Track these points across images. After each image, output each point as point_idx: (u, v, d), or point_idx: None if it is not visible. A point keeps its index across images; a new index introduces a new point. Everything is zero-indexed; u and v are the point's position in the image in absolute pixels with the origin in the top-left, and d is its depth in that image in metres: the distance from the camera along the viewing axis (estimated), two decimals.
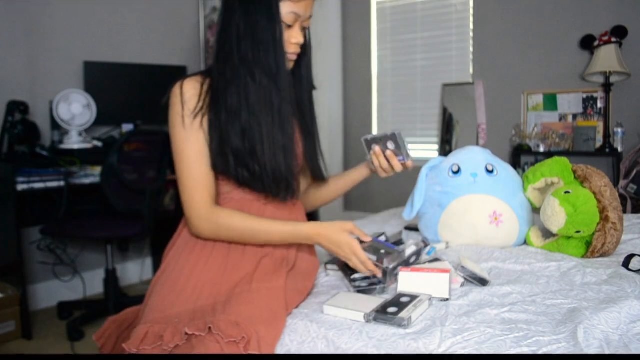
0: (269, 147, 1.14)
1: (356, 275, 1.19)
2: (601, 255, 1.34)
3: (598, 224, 1.31)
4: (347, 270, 1.23)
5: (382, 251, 1.12)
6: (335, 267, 1.30)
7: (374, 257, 1.11)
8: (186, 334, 0.94)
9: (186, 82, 1.16)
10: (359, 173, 1.43)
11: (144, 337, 0.97)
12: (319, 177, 1.39)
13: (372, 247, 1.13)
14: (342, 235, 1.11)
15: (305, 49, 1.26)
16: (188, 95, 1.14)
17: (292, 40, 1.16)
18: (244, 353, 0.91)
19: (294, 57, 1.20)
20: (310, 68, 1.30)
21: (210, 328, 0.93)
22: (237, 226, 1.13)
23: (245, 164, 1.14)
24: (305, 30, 1.21)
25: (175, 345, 0.94)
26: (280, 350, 0.99)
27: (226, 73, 1.15)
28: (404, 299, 1.05)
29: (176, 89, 1.15)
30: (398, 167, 1.30)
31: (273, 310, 1.03)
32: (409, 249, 1.24)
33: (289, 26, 1.15)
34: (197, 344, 0.91)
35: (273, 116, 1.14)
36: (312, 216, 2.62)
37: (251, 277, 1.12)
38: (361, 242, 1.14)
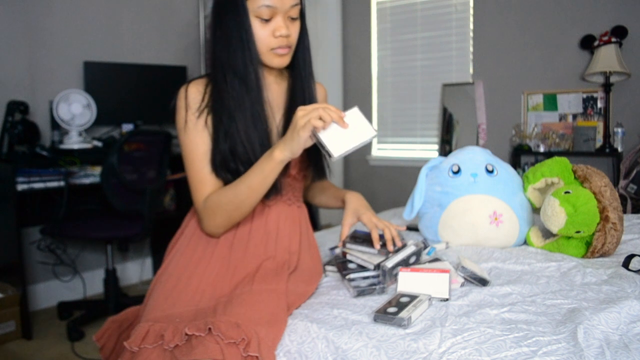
0: (248, 146, 1.14)
1: (354, 275, 1.19)
2: (601, 255, 1.34)
3: (598, 224, 1.30)
4: (344, 271, 1.23)
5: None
6: (333, 268, 1.30)
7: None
8: (186, 334, 0.94)
9: (191, 85, 1.17)
10: (339, 203, 1.36)
11: (145, 336, 0.97)
12: (320, 176, 1.33)
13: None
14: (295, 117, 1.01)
15: (302, 41, 1.19)
16: (192, 98, 1.16)
17: (276, 33, 1.10)
18: (243, 355, 0.91)
19: (284, 52, 1.13)
20: (308, 61, 1.23)
21: (210, 329, 0.93)
22: (222, 198, 1.12)
23: (228, 166, 1.14)
24: (295, 20, 1.14)
25: (175, 345, 0.94)
26: (280, 350, 0.99)
27: (211, 76, 1.17)
28: (403, 299, 1.05)
29: (181, 92, 1.17)
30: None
31: (274, 312, 1.03)
32: (409, 249, 1.24)
33: (267, 20, 1.10)
34: (197, 344, 0.91)
35: (247, 117, 1.14)
36: (313, 218, 2.60)
37: (252, 279, 1.12)
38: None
